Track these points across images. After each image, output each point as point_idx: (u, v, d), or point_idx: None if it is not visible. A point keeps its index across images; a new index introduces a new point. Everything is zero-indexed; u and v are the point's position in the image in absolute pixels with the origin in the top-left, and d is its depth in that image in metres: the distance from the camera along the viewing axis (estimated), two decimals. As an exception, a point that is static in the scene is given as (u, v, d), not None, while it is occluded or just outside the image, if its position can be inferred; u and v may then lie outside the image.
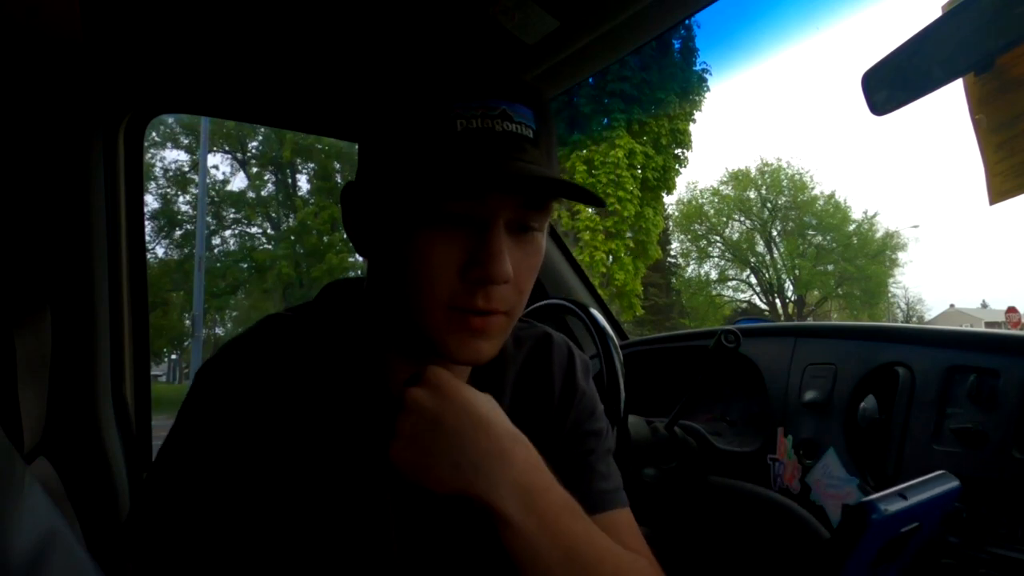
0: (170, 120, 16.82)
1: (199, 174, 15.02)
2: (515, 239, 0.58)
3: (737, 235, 27.42)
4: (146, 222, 1.45)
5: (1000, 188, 0.62)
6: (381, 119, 0.60)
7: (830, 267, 26.28)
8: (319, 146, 17.32)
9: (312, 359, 0.63)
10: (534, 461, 0.58)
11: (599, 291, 1.80)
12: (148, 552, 0.58)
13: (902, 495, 0.57)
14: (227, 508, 0.58)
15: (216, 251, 17.88)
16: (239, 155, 18.48)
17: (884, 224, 34.94)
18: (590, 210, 15.28)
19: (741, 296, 28.10)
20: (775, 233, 27.02)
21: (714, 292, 27.38)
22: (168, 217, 17.41)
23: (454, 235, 0.56)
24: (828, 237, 26.54)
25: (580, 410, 0.73)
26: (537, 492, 0.56)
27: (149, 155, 16.93)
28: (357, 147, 0.68)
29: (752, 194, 27.02)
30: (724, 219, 27.37)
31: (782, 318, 25.91)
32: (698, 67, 12.99)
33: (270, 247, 18.03)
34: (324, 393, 0.62)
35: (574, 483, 0.67)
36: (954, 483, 0.61)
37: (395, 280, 0.59)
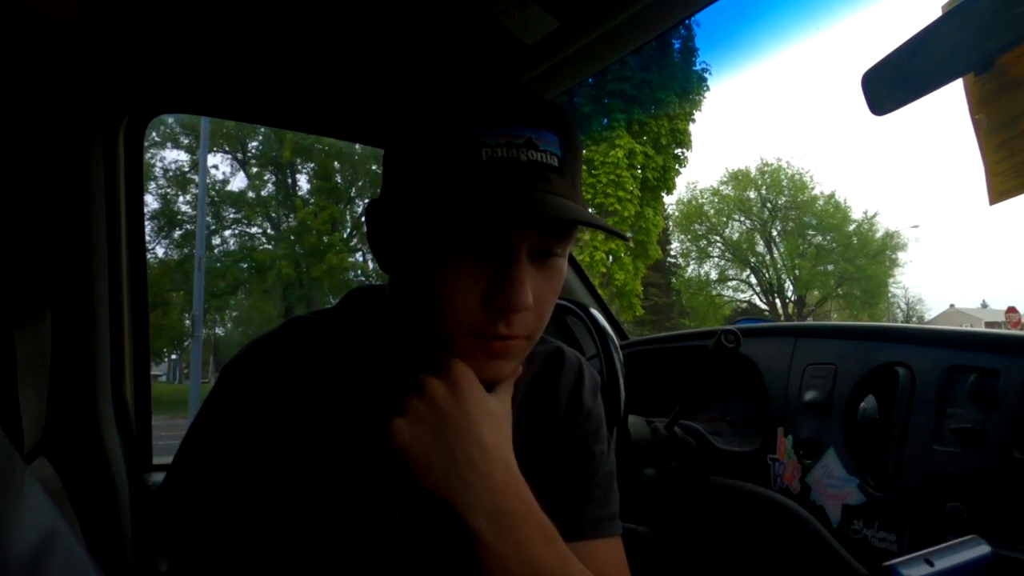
0: (170, 120, 16.78)
1: (199, 174, 14.98)
2: (537, 266, 0.59)
3: (737, 235, 27.42)
4: (146, 222, 1.44)
5: (1000, 188, 0.62)
6: (406, 142, 0.60)
7: (830, 267, 26.27)
8: (319, 146, 17.28)
9: (333, 361, 0.64)
10: (515, 485, 0.58)
11: (599, 291, 1.80)
12: (169, 547, 0.59)
13: (928, 561, 0.55)
14: (240, 503, 0.59)
15: (216, 251, 17.86)
16: (239, 155, 18.46)
17: (884, 224, 34.94)
18: (590, 209, 15.27)
19: (741, 296, 28.12)
20: (775, 233, 27.02)
21: (714, 292, 27.36)
22: (168, 217, 17.38)
23: (477, 264, 0.56)
24: (828, 237, 26.53)
25: (584, 428, 0.73)
26: (514, 518, 0.57)
27: (149, 155, 16.90)
28: (357, 151, 0.68)
29: (752, 194, 27.01)
30: (724, 219, 27.36)
31: (782, 318, 25.89)
32: (698, 67, 12.99)
33: (270, 247, 18.01)
34: (342, 395, 0.63)
35: (567, 504, 0.68)
36: (985, 549, 0.59)
37: (418, 303, 0.60)
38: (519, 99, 0.57)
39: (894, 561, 0.53)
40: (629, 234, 15.86)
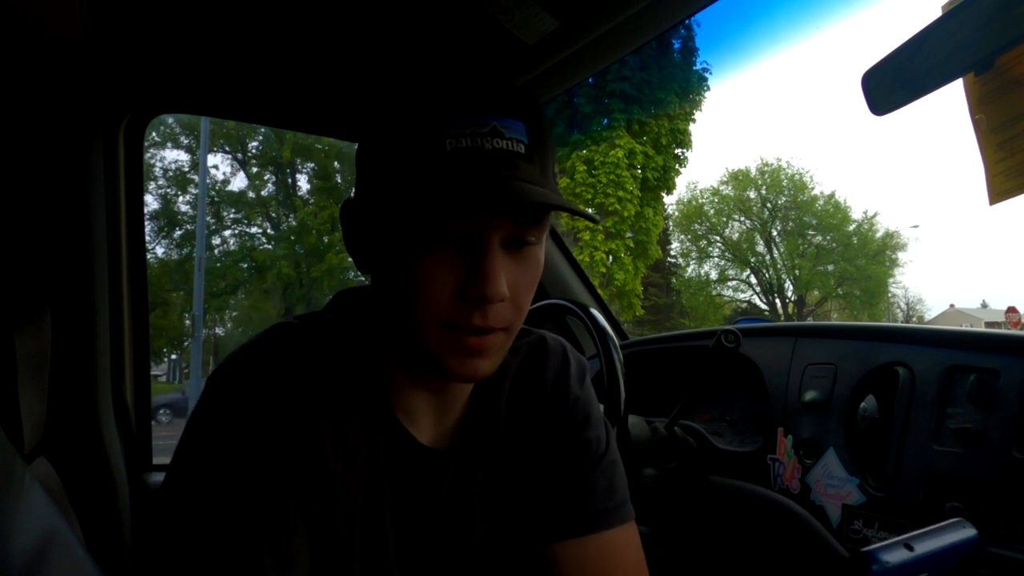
0: (170, 120, 16.80)
1: (199, 174, 15.02)
2: (511, 255, 0.58)
3: (737, 235, 27.40)
4: (146, 222, 1.45)
5: (1000, 188, 0.62)
6: (375, 138, 0.60)
7: (830, 267, 26.26)
8: (319, 146, 17.30)
9: (317, 368, 0.62)
10: None
11: (599, 291, 1.80)
12: (160, 562, 0.58)
13: (908, 545, 0.53)
14: (231, 516, 0.57)
15: (216, 251, 17.87)
16: (239, 155, 18.47)
17: (884, 224, 34.89)
18: (590, 210, 15.30)
19: (741, 296, 28.11)
20: (775, 233, 27.01)
21: (714, 292, 27.35)
22: (168, 217, 17.40)
23: (449, 254, 0.56)
24: (828, 237, 26.53)
25: (574, 417, 0.72)
26: None
27: (149, 155, 16.91)
28: (355, 159, 0.68)
29: (752, 194, 27.01)
30: (724, 219, 27.34)
31: (782, 318, 25.89)
32: (698, 67, 13.00)
33: (270, 247, 18.02)
34: (327, 403, 0.61)
35: (572, 499, 0.68)
36: (970, 532, 0.57)
37: (393, 298, 0.59)
38: (483, 89, 0.57)
39: (873, 547, 0.52)
40: (629, 235, 15.86)
